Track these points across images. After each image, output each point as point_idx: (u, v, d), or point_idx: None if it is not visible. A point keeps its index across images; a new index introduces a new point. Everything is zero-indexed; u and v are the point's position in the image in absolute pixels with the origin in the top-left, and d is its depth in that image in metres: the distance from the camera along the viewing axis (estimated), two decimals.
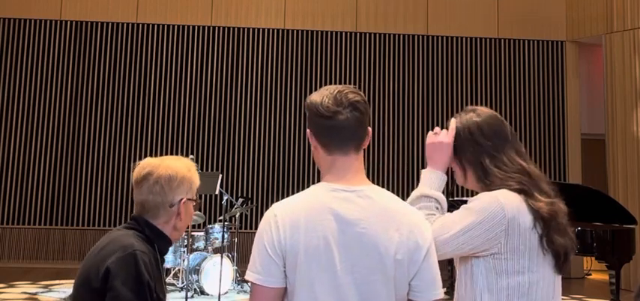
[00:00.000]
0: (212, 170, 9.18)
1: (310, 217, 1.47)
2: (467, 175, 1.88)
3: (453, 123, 1.89)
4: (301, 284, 1.45)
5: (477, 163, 1.84)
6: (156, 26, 9.80)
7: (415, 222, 1.53)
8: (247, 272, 1.50)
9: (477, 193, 1.85)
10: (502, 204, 1.69)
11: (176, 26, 9.81)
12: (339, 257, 1.45)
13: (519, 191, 1.75)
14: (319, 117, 1.55)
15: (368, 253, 1.46)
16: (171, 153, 2.10)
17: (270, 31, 9.92)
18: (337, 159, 1.56)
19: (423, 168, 1.92)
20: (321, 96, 1.56)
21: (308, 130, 1.61)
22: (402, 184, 9.52)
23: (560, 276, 1.79)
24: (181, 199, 1.89)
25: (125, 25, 9.76)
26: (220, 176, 7.28)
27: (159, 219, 1.89)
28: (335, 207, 1.49)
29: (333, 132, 1.55)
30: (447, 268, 7.15)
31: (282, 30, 9.93)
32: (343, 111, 1.53)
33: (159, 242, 1.90)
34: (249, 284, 1.52)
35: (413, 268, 1.50)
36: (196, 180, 1.97)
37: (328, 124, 1.54)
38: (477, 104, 9.10)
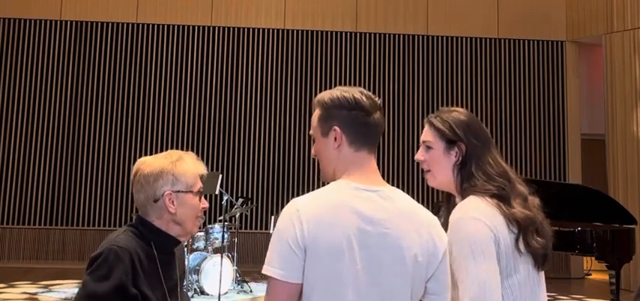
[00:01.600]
0: (212, 170, 9.17)
1: (334, 214, 1.46)
2: (440, 175, 1.88)
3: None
4: (322, 282, 1.44)
5: (463, 164, 1.84)
6: (156, 26, 9.80)
7: (433, 224, 1.56)
8: (265, 267, 1.46)
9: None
10: (482, 221, 1.69)
11: (176, 26, 9.81)
12: (360, 256, 1.45)
13: (496, 196, 1.76)
14: (359, 110, 1.56)
15: (390, 253, 1.47)
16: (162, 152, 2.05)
17: (270, 31, 9.92)
18: (363, 156, 1.57)
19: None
20: (351, 92, 1.58)
21: (335, 127, 1.57)
22: (402, 184, 9.51)
23: (542, 272, 1.82)
24: (164, 192, 1.85)
25: (125, 25, 9.76)
26: (220, 176, 7.28)
27: (151, 216, 1.88)
28: (358, 206, 1.48)
29: (368, 128, 1.57)
30: None
31: (282, 30, 9.93)
32: (378, 111, 1.59)
33: (155, 240, 1.87)
34: (264, 279, 1.50)
35: (430, 270, 1.52)
36: (185, 170, 1.89)
37: (366, 120, 1.57)
38: (477, 104, 9.07)
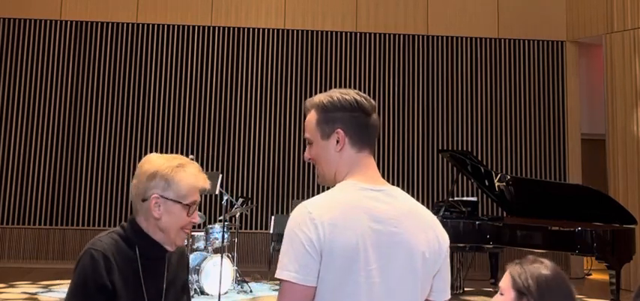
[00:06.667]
0: (212, 170, 9.17)
1: (347, 216, 1.46)
2: None
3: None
4: (336, 283, 1.44)
5: None
6: (156, 26, 9.80)
7: (436, 223, 1.59)
8: (279, 271, 1.44)
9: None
10: None
11: (176, 26, 9.81)
12: (373, 256, 1.46)
13: None
14: (360, 112, 1.58)
15: (400, 252, 1.48)
16: (171, 153, 2.03)
17: (270, 31, 9.92)
18: (365, 157, 1.59)
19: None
20: (350, 95, 1.59)
21: (339, 130, 1.57)
22: (402, 184, 9.51)
23: None
24: (152, 194, 1.78)
25: (125, 25, 9.76)
26: (220, 176, 7.28)
27: (139, 216, 1.83)
28: (368, 205, 1.49)
29: (369, 129, 1.59)
30: None
31: (282, 30, 9.93)
32: (375, 112, 1.63)
33: (140, 243, 1.82)
34: (278, 283, 1.48)
35: (435, 267, 1.54)
36: (180, 179, 1.80)
37: (367, 121, 1.59)
38: (477, 104, 9.03)
